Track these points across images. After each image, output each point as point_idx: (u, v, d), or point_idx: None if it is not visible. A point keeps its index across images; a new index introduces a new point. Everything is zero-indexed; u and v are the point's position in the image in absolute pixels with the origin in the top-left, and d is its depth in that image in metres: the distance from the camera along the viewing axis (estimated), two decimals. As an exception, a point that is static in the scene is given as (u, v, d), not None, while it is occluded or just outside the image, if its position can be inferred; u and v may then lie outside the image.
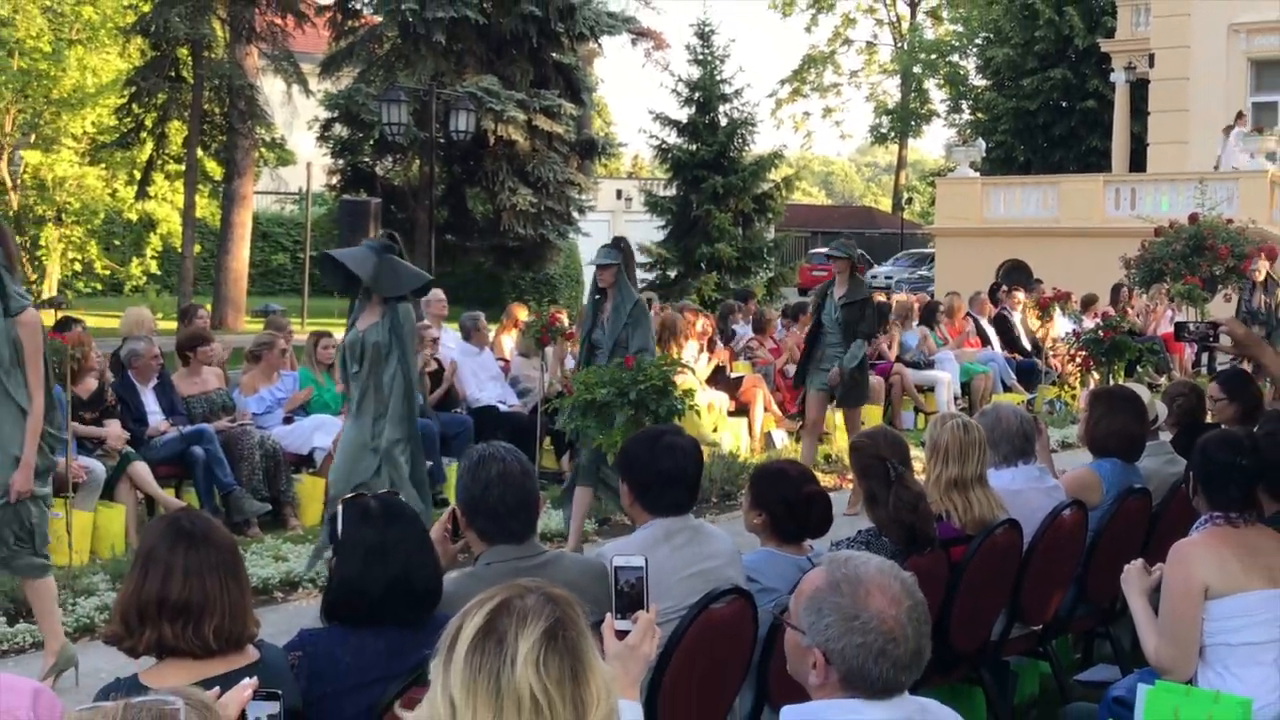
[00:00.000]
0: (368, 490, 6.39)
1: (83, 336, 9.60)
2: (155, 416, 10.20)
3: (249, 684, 2.81)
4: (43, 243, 30.95)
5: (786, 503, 4.83)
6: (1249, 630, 4.21)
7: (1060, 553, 5.79)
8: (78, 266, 32.48)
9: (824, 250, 11.87)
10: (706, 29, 25.19)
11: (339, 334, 13.35)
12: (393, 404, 7.64)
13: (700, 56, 25.21)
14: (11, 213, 30.89)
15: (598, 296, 9.67)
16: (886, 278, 41.85)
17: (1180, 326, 7.56)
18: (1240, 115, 29.51)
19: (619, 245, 9.76)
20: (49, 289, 30.55)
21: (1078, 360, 11.27)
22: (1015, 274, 27.12)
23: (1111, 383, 10.84)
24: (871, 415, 15.03)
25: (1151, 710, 4.04)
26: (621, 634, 2.95)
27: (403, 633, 3.65)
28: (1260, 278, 16.12)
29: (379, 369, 7.63)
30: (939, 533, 5.22)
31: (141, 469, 9.58)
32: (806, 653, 2.77)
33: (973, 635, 5.53)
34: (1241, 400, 6.53)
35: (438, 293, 12.50)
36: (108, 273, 33.27)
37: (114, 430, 9.66)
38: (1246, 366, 7.70)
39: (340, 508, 3.87)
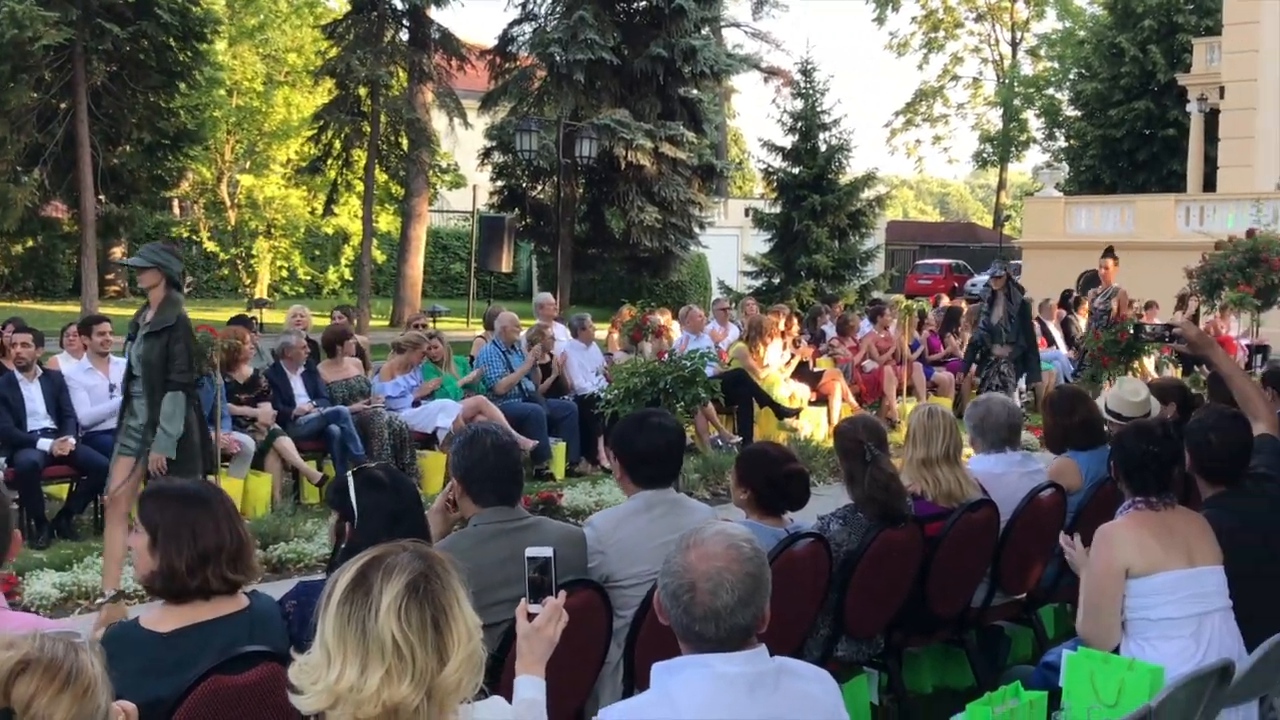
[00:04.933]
0: None
1: (237, 331, 9.87)
2: (302, 399, 10.41)
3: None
4: (255, 252, 31.96)
5: (768, 479, 4.72)
6: (1167, 606, 3.98)
7: (1039, 529, 5.56)
8: (284, 273, 33.48)
9: (122, 261, 7.48)
10: (809, 67, 25.14)
11: (463, 333, 13.42)
12: None
13: (803, 90, 25.09)
14: (229, 227, 31.97)
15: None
16: (985, 285, 40.94)
17: (1139, 328, 7.24)
18: None
19: None
20: (260, 292, 31.53)
21: (1096, 358, 10.86)
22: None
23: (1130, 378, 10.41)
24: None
25: (1071, 674, 3.85)
26: (532, 616, 2.89)
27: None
28: (1000, 286, 12.00)
29: None
30: (917, 510, 5.06)
31: (286, 444, 9.77)
32: None
33: (951, 602, 5.35)
34: (1174, 400, 6.39)
35: (547, 296, 12.56)
36: (309, 278, 34.21)
37: (264, 410, 9.88)
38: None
39: (350, 477, 3.87)
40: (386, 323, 26.70)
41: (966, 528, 5.20)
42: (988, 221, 70.41)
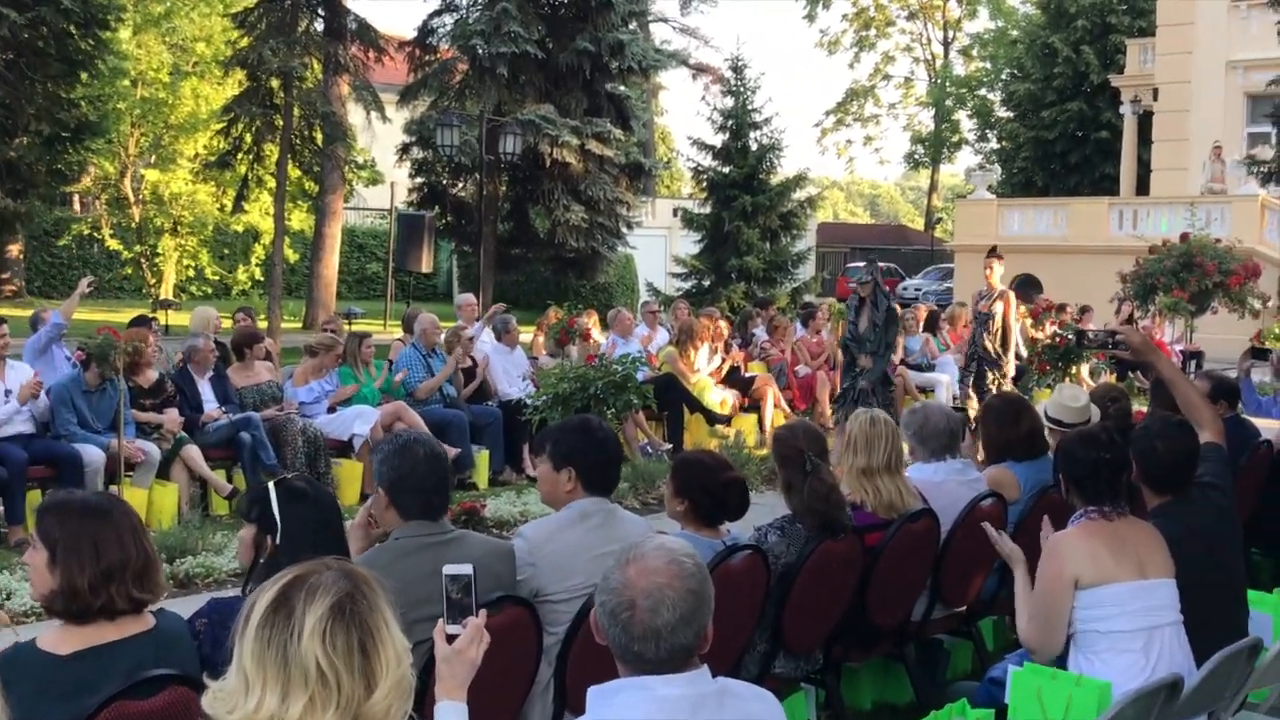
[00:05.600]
0: None
1: (140, 333, 9.63)
2: (211, 405, 10.19)
3: None
4: (160, 251, 31.35)
5: (705, 489, 4.67)
6: (1118, 619, 3.99)
7: (979, 539, 5.54)
8: (191, 272, 32.88)
9: None
10: (739, 64, 25.30)
11: (380, 335, 13.26)
12: None
13: (734, 88, 25.24)
14: (133, 224, 31.32)
15: None
16: (916, 289, 41.38)
17: (1080, 334, 7.29)
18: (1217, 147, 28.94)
19: None
20: (165, 292, 30.95)
21: (1035, 364, 10.92)
22: (1027, 287, 26.71)
23: (1068, 383, 10.54)
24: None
25: (1018, 690, 3.86)
26: (452, 638, 2.81)
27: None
28: (866, 293, 11.52)
29: None
30: (856, 520, 5.05)
31: (193, 452, 9.57)
32: None
33: (891, 614, 5.35)
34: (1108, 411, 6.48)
35: (469, 297, 12.41)
36: (217, 278, 33.64)
37: (170, 416, 9.66)
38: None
39: (272, 488, 3.76)
40: (299, 325, 26.32)
41: (907, 538, 5.20)
42: (919, 224, 71.26)
